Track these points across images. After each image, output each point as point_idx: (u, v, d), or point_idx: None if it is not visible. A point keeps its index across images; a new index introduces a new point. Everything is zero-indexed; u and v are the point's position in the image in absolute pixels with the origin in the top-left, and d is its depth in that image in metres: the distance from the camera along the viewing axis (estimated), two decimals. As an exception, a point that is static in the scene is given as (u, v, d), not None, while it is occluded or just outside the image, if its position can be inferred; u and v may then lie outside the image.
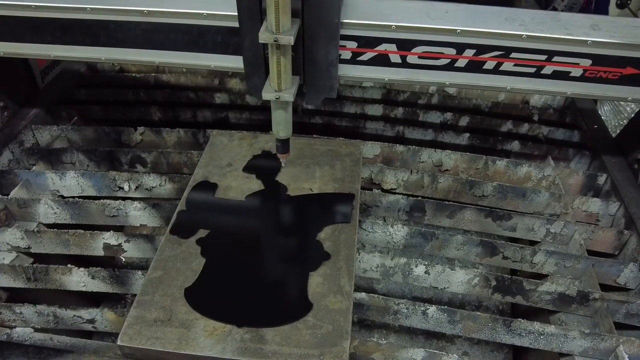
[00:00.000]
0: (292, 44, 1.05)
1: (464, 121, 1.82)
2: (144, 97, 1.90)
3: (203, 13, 1.26)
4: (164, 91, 1.91)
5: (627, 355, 1.12)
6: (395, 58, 1.28)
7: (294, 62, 1.14)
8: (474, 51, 1.25)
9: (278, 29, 1.02)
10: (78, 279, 1.26)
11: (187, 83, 1.98)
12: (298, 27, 1.10)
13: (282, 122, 1.21)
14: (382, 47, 1.26)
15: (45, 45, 1.40)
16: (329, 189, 1.38)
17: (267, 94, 1.14)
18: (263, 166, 1.45)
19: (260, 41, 1.05)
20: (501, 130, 1.83)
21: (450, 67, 1.28)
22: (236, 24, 1.20)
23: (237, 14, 1.17)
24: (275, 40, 1.04)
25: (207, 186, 1.38)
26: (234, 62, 1.32)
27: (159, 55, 1.37)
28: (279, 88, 1.13)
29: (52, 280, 1.28)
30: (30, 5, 1.32)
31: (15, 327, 1.20)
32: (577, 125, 1.85)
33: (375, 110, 1.84)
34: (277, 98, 1.14)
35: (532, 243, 1.50)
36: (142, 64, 1.44)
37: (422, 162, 1.64)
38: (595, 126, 1.79)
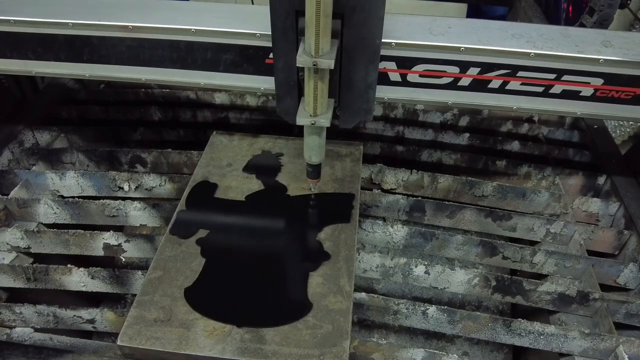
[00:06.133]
0: (332, 67, 0.99)
1: (464, 121, 1.82)
2: (143, 97, 1.90)
3: (191, 29, 1.21)
4: (163, 91, 1.91)
5: (627, 355, 1.12)
6: (394, 76, 1.22)
7: (329, 85, 1.07)
8: (478, 69, 1.19)
9: (317, 51, 0.96)
10: (78, 279, 1.26)
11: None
12: (337, 48, 1.03)
13: (315, 148, 1.16)
14: (381, 65, 1.19)
15: (26, 62, 1.35)
16: (329, 189, 1.37)
17: (302, 119, 1.08)
18: (263, 166, 1.45)
19: (298, 65, 0.99)
20: (501, 130, 1.83)
21: (453, 86, 1.23)
22: (225, 40, 1.17)
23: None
24: (314, 64, 0.98)
25: (207, 186, 1.38)
26: (225, 80, 1.29)
27: (145, 72, 1.33)
28: (315, 113, 1.07)
29: (52, 280, 1.28)
30: (9, 20, 1.26)
31: (15, 327, 1.19)
32: (577, 125, 1.85)
33: (375, 110, 1.84)
34: (312, 123, 1.08)
35: (532, 243, 1.50)
36: (128, 81, 1.38)
37: (422, 162, 1.64)
38: (595, 126, 1.79)
